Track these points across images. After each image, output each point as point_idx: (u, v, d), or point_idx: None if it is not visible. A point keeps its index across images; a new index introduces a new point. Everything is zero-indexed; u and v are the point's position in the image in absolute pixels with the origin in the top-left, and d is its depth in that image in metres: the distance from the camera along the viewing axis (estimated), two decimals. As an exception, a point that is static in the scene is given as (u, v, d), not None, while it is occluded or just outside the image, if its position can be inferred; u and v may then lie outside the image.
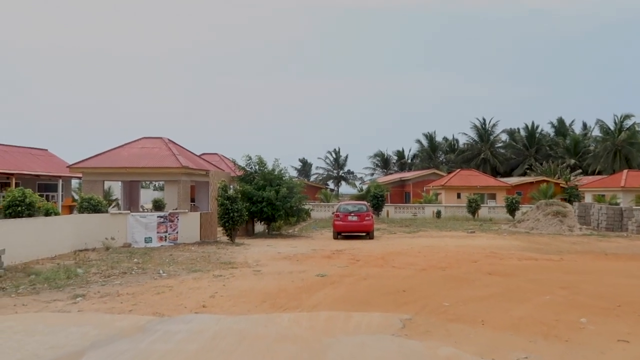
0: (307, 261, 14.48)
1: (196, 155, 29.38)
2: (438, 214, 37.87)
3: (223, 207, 18.83)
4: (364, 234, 22.33)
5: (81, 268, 12.67)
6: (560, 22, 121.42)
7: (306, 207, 24.82)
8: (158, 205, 31.19)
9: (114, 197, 36.84)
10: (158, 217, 18.53)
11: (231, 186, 21.92)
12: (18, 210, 13.88)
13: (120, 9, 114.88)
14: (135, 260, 14.38)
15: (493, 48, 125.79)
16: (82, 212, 17.39)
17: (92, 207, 17.47)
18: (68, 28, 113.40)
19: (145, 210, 28.73)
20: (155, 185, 56.72)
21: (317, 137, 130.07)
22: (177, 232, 18.74)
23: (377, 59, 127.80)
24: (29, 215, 14.28)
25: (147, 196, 38.57)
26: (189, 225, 18.96)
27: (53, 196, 30.04)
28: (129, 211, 18.82)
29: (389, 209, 39.13)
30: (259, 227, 24.71)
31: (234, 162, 23.55)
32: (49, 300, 9.14)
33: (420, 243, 19.78)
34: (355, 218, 21.91)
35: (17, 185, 27.47)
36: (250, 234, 23.10)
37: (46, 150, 32.87)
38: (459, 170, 50.42)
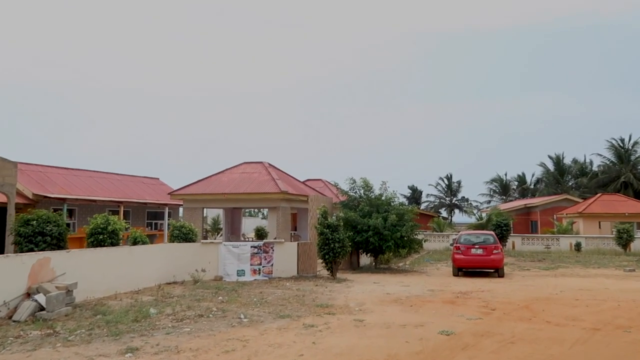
0: (424, 307, 11.36)
1: (299, 181, 27.65)
2: (577, 246, 32.00)
3: (323, 236, 16.41)
4: (491, 270, 18.49)
5: (155, 307, 10.88)
6: None
7: (419, 237, 21.54)
8: (260, 234, 29.91)
9: (221, 226, 36.54)
10: (252, 247, 16.63)
11: (334, 214, 19.49)
12: (100, 239, 12.70)
13: (242, 49, 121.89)
14: (219, 298, 12.39)
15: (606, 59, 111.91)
16: (173, 241, 16.04)
17: (182, 235, 16.08)
18: (189, 70, 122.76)
19: (248, 240, 27.43)
20: (263, 213, 56.67)
21: (427, 163, 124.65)
22: (271, 265, 16.65)
23: (479, 81, 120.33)
24: (112, 244, 13.05)
25: (253, 225, 37.87)
26: (285, 256, 16.80)
27: (162, 224, 30.13)
28: (221, 241, 17.20)
29: (514, 240, 34.10)
30: (365, 259, 21.92)
31: (336, 186, 21.18)
32: (94, 356, 7.19)
33: (569, 285, 15.51)
34: (480, 251, 18.21)
35: (125, 213, 27.81)
36: (355, 267, 20.38)
37: (157, 179, 33.47)
38: (599, 195, 43.29)
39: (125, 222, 13.74)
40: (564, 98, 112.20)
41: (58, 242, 11.64)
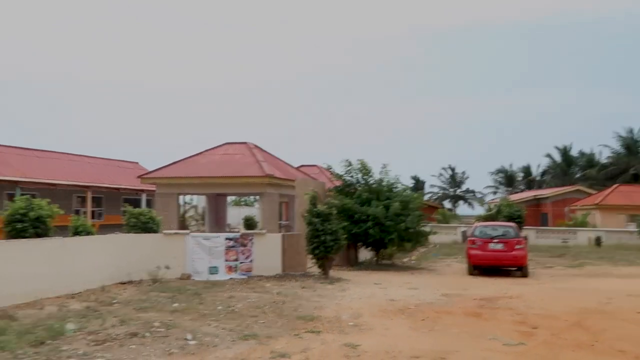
0: (441, 323, 8.49)
1: (291, 166, 24.70)
2: (597, 240, 29.16)
3: (311, 226, 13.52)
4: (513, 268, 15.67)
5: (78, 321, 8.01)
6: None
7: (426, 229, 18.67)
8: (250, 224, 27.07)
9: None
10: (226, 239, 13.74)
11: (327, 201, 16.58)
12: (19, 228, 9.80)
13: (256, 40, 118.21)
14: (174, 305, 9.53)
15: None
16: (129, 232, 13.16)
17: (140, 224, 13.18)
18: (210, 62, 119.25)
19: (234, 231, 24.56)
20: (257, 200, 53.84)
21: (431, 154, 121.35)
22: (251, 261, 13.78)
23: (483, 74, 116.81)
24: (38, 235, 10.16)
25: (242, 215, 35.01)
26: (268, 251, 13.92)
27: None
28: (187, 231, 14.33)
29: (527, 234, 31.19)
30: (365, 253, 19.06)
31: (330, 170, 18.26)
32: None
33: (613, 288, 12.63)
34: (500, 246, 15.35)
35: (97, 200, 24.94)
36: (353, 263, 17.52)
37: (137, 163, 30.58)
38: (616, 185, 40.39)
39: (57, 208, 10.82)
40: (569, 90, 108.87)
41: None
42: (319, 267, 13.88)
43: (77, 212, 23.44)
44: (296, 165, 27.15)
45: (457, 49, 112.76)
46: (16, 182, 19.14)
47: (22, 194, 19.60)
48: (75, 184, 21.91)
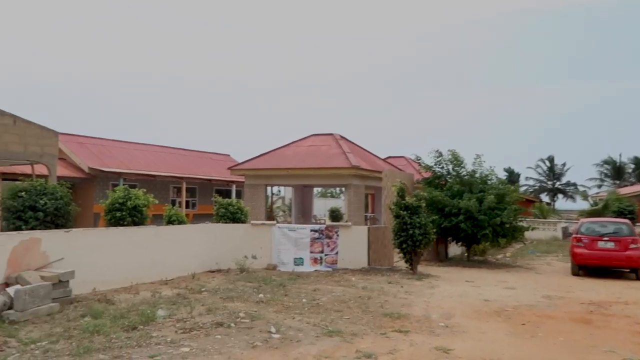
0: (544, 328, 7.64)
1: (377, 157, 24.17)
2: None
3: (399, 219, 12.96)
4: (626, 269, 14.01)
5: (168, 308, 8.24)
6: None
7: (523, 224, 17.27)
8: (335, 216, 27.01)
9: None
10: (312, 231, 13.62)
11: (415, 193, 15.89)
12: (118, 216, 10.32)
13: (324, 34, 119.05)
14: (260, 295, 9.52)
15: None
16: (218, 221, 13.48)
17: (229, 215, 13.45)
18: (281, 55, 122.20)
19: (319, 222, 24.59)
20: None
21: (526, 144, 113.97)
22: (336, 253, 13.55)
23: (586, 59, 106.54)
24: (135, 223, 10.65)
25: (327, 206, 35.09)
26: (353, 244, 13.61)
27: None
28: (274, 222, 14.40)
29: (641, 231, 28.01)
30: (454, 249, 18.12)
31: (418, 161, 17.46)
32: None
33: None
34: (610, 244, 13.75)
35: (191, 190, 26.14)
36: (442, 258, 16.71)
37: (228, 155, 31.68)
38: None
39: (153, 197, 11.26)
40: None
41: (54, 220, 9.40)
42: (406, 261, 13.32)
43: (173, 202, 24.80)
44: (383, 157, 26.57)
45: (556, 31, 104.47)
46: (120, 174, 20.54)
47: (124, 185, 21.08)
48: (171, 175, 23.10)
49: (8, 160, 14.90)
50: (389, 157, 29.41)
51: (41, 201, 9.18)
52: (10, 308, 7.23)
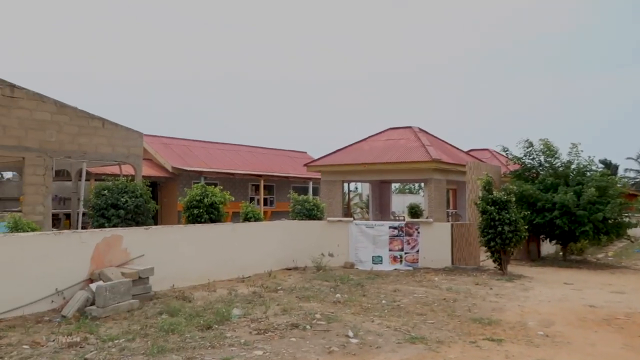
0: (670, 342, 6.49)
1: (459, 149, 22.90)
2: None
3: (486, 215, 11.97)
4: None
5: (243, 306, 8.05)
6: None
7: (631, 220, 15.39)
8: (415, 212, 25.98)
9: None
10: (390, 228, 12.99)
11: (503, 187, 14.69)
12: (195, 213, 10.37)
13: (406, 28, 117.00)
14: (337, 295, 9.10)
15: None
16: (295, 218, 13.26)
17: (305, 211, 13.17)
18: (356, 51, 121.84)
19: (398, 219, 23.80)
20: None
21: (623, 133, 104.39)
22: (417, 252, 12.82)
23: None
24: (212, 220, 10.66)
25: (406, 202, 34.04)
26: (435, 241, 12.80)
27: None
28: (351, 218, 13.91)
29: None
30: (547, 247, 16.62)
31: (505, 153, 16.15)
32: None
33: None
34: None
35: (269, 188, 26.39)
36: (534, 258, 15.34)
37: (305, 152, 31.71)
38: None
39: (229, 195, 11.21)
40: None
41: (135, 217, 9.57)
42: (494, 261, 12.28)
43: (251, 200, 25.18)
44: (465, 150, 25.18)
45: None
46: (201, 172, 21.12)
47: (205, 183, 21.65)
48: (250, 173, 23.41)
49: (98, 161, 15.71)
50: (472, 150, 27.86)
51: (122, 199, 9.41)
52: (92, 304, 7.37)
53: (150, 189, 10.49)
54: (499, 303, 8.78)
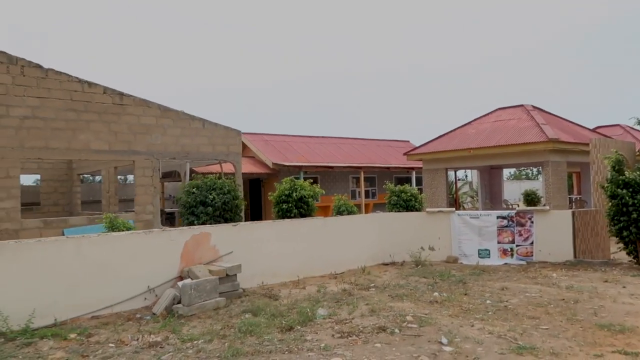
0: None
1: (583, 127, 20.25)
2: None
3: (616, 200, 10.17)
4: None
5: (330, 306, 7.57)
6: None
7: None
8: (530, 199, 23.64)
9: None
10: (498, 217, 11.66)
11: (638, 167, 12.50)
12: (284, 208, 10.12)
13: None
14: (435, 294, 8.25)
15: None
16: (391, 210, 12.50)
17: (402, 203, 12.34)
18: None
19: (511, 208, 21.78)
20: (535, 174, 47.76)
21: None
22: (531, 243, 11.37)
23: None
24: (301, 215, 10.34)
25: (522, 189, 31.14)
26: (553, 231, 11.24)
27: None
28: (452, 209, 12.74)
29: None
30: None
31: (641, 125, 13.74)
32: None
33: None
34: None
35: (370, 180, 25.74)
36: (682, 248, 12.86)
37: (407, 141, 30.54)
38: None
39: (319, 188, 10.79)
40: None
41: (223, 214, 9.52)
42: (629, 253, 10.44)
43: (352, 192, 24.74)
44: (591, 128, 22.29)
45: None
46: (300, 167, 21.15)
47: (305, 177, 21.62)
48: (349, 165, 22.98)
49: (200, 160, 16.33)
50: (599, 127, 24.66)
51: (210, 196, 9.45)
52: (180, 302, 7.38)
53: (240, 185, 10.43)
54: (634, 305, 7.28)
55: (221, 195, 9.64)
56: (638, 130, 15.77)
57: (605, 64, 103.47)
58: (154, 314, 7.33)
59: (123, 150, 14.20)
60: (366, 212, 22.15)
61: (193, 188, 9.75)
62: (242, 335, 6.13)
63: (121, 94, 14.37)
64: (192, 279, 7.77)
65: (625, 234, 10.13)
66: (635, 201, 9.94)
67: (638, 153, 14.48)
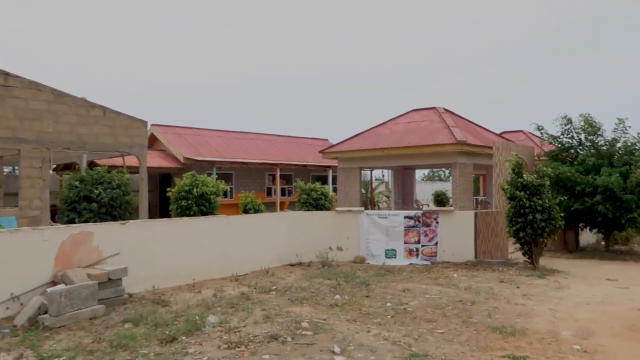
0: None
1: (490, 131, 21.16)
2: None
3: (514, 202, 10.52)
4: None
5: (222, 312, 7.01)
6: None
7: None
8: (440, 200, 24.53)
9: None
10: (406, 217, 11.70)
11: (535, 169, 13.11)
12: (183, 205, 9.38)
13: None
14: (336, 297, 7.95)
15: None
16: (300, 209, 12.15)
17: (312, 201, 12.04)
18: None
19: (421, 208, 22.34)
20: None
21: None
22: (435, 244, 11.51)
23: None
24: (203, 213, 9.66)
25: (434, 190, 32.32)
26: (456, 232, 11.45)
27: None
28: (362, 208, 12.66)
29: None
30: (587, 236, 14.94)
31: (540, 132, 14.47)
32: None
33: None
34: None
35: (287, 177, 25.35)
36: (571, 249, 13.74)
37: (326, 140, 30.49)
38: None
39: (225, 184, 10.17)
40: None
41: (110, 211, 8.65)
42: (524, 253, 10.85)
43: (268, 190, 24.22)
44: (498, 132, 23.38)
45: None
46: (213, 162, 20.26)
47: (218, 174, 20.73)
48: (265, 162, 22.42)
49: (100, 152, 14.98)
50: (504, 132, 25.98)
51: (96, 191, 8.51)
52: (47, 312, 6.46)
53: (143, 180, 9.54)
54: (526, 306, 7.43)
55: (109, 191, 8.72)
56: (538, 137, 16.72)
57: (520, 75, 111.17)
58: (14, 326, 6.36)
59: (7, 137, 12.59)
60: (281, 209, 21.72)
61: (76, 181, 8.73)
62: (114, 350, 5.42)
63: (6, 74, 12.75)
64: (66, 284, 6.87)
65: (521, 234, 10.49)
66: (532, 203, 10.32)
67: (537, 157, 15.25)
